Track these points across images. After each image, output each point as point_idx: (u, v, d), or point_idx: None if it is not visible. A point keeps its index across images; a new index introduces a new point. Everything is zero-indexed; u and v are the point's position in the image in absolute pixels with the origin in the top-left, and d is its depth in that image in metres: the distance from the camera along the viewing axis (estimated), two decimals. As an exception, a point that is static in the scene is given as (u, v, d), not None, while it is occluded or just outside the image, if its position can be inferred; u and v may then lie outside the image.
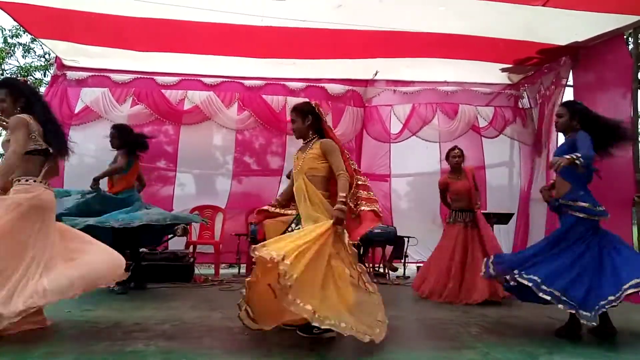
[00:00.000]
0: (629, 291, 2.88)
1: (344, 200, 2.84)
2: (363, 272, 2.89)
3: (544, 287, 2.97)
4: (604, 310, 2.91)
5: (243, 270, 6.22)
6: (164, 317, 3.53)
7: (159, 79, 6.54)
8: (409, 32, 5.00)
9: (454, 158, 5.00)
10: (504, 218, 5.84)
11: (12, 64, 12.78)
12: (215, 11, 4.59)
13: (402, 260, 6.25)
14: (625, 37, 5.46)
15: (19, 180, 2.92)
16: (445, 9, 4.58)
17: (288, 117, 6.70)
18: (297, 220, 3.02)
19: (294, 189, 3.07)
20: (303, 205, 2.93)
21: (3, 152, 3.15)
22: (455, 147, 5.11)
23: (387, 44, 5.37)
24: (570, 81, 5.76)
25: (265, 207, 3.51)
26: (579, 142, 3.14)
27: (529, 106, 6.88)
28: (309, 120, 3.10)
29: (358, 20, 4.77)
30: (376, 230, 6.05)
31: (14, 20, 5.42)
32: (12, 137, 2.91)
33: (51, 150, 3.02)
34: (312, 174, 2.98)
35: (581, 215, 3.18)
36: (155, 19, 4.84)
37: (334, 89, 6.88)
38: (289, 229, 3.03)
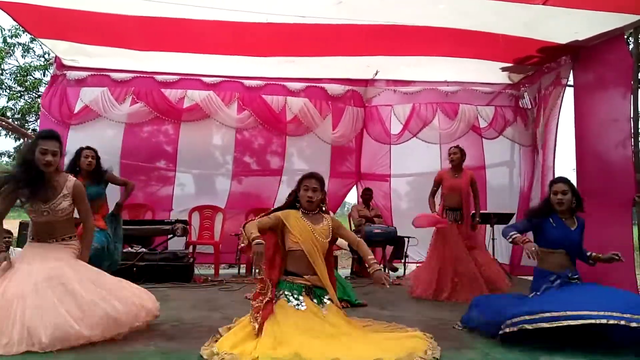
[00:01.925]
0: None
1: (376, 261, 3.08)
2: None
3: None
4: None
5: (243, 271, 6.22)
6: (164, 317, 3.52)
7: (159, 77, 6.53)
8: (409, 26, 4.98)
9: (450, 155, 5.11)
10: (504, 218, 5.84)
11: (12, 64, 12.79)
12: (215, 9, 4.57)
13: (402, 260, 6.25)
14: (625, 36, 5.44)
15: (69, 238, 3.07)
16: (445, 7, 4.58)
17: (288, 118, 6.81)
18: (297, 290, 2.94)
19: (308, 256, 2.98)
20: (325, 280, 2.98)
21: (58, 210, 2.98)
22: (453, 146, 5.20)
23: (387, 40, 5.34)
24: (571, 81, 5.76)
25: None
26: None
27: (529, 106, 6.88)
28: (324, 194, 3.15)
29: (359, 17, 4.76)
30: (376, 230, 6.06)
31: (14, 20, 5.41)
32: (84, 206, 3.14)
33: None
34: (323, 252, 3.06)
35: None
36: (155, 17, 4.81)
37: (334, 89, 6.87)
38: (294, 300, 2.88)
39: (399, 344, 2.71)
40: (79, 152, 4.45)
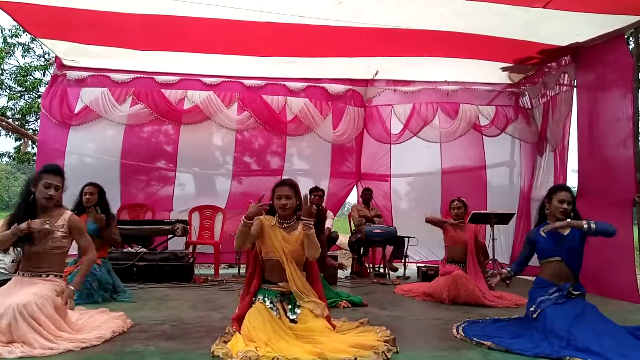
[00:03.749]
0: None
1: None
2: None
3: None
4: None
5: (243, 271, 6.21)
6: (163, 317, 3.53)
7: (159, 78, 6.53)
8: (409, 29, 4.99)
9: (453, 210, 4.88)
10: (504, 218, 5.84)
11: (12, 64, 12.79)
12: (215, 6, 4.55)
13: (402, 260, 6.24)
14: (626, 36, 5.44)
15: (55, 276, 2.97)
16: (445, 9, 4.58)
17: (288, 118, 6.81)
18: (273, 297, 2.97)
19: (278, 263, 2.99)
20: (295, 287, 2.94)
21: (49, 239, 2.93)
22: (456, 200, 4.95)
23: (387, 42, 5.36)
24: (572, 81, 5.76)
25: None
26: (606, 226, 3.10)
27: (530, 106, 6.88)
28: (299, 201, 3.09)
29: (358, 18, 4.75)
30: (376, 230, 6.06)
31: (14, 20, 5.41)
32: (85, 239, 3.13)
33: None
34: (298, 259, 3.01)
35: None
36: (154, 15, 4.81)
37: (335, 88, 6.88)
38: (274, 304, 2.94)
39: (365, 342, 2.75)
40: (83, 189, 4.35)
